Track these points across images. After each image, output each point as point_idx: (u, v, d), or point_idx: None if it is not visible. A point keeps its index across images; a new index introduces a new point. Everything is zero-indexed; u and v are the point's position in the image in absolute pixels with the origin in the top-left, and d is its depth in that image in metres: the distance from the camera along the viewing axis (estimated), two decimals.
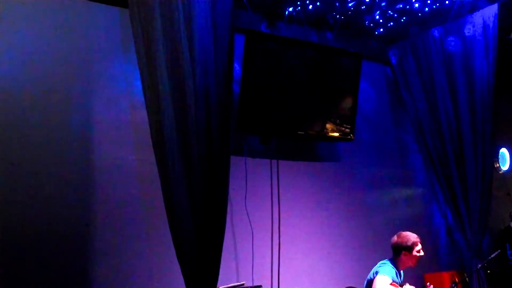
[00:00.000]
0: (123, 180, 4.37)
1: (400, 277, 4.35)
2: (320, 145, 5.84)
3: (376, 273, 4.18)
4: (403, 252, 4.30)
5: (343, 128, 5.60)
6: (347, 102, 5.64)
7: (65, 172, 4.10)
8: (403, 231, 4.43)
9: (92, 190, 4.21)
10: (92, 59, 4.41)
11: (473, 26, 5.77)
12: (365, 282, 4.36)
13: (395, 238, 4.39)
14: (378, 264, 4.31)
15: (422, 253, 4.37)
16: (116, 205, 4.29)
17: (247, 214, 4.94)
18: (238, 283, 4.38)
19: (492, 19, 5.64)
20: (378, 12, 5.80)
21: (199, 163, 3.79)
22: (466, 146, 5.89)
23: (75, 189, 4.13)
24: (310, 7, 5.48)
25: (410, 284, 4.29)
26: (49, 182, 4.02)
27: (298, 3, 5.42)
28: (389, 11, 5.80)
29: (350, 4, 5.54)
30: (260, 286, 4.58)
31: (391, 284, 4.04)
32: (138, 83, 3.95)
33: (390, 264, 4.26)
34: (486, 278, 5.71)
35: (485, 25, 5.69)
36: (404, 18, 5.94)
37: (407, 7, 5.73)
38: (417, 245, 4.33)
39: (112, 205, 4.27)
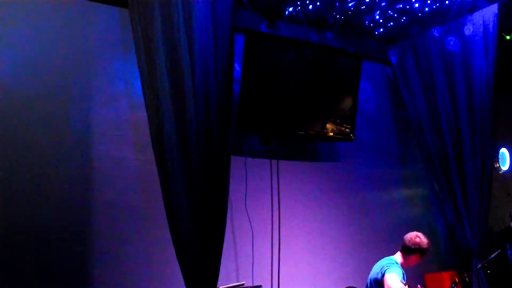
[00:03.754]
0: (123, 180, 4.37)
1: (404, 277, 4.34)
2: (320, 145, 5.84)
3: (385, 272, 4.16)
4: (418, 253, 4.32)
5: (343, 128, 5.60)
6: (347, 102, 5.64)
7: (65, 171, 4.09)
8: (418, 231, 4.44)
9: (92, 190, 4.21)
10: (92, 59, 4.41)
11: (473, 26, 5.77)
12: (369, 281, 4.34)
13: (414, 238, 4.34)
14: (385, 263, 4.27)
15: None
16: (115, 205, 4.28)
17: (247, 214, 4.93)
18: (238, 283, 4.38)
19: (492, 19, 5.64)
20: (378, 12, 5.80)
21: (199, 163, 3.79)
22: (466, 146, 5.89)
23: (75, 189, 4.13)
24: (310, 7, 5.48)
25: (411, 285, 4.28)
26: (49, 182, 4.02)
27: (298, 3, 5.42)
28: (389, 11, 5.80)
29: (350, 4, 5.54)
30: (260, 286, 4.57)
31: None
32: (138, 83, 3.94)
33: (397, 264, 4.25)
34: (486, 278, 5.71)
35: (485, 25, 5.69)
36: (404, 18, 5.95)
37: (407, 7, 5.73)
38: (428, 251, 4.38)
39: (112, 205, 4.27)
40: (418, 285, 4.31)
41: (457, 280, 5.69)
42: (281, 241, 5.10)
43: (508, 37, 6.09)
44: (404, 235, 4.40)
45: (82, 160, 4.21)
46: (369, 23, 5.99)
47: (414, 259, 4.33)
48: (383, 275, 4.16)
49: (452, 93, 5.97)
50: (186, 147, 3.78)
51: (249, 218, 4.94)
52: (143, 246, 4.34)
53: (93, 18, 4.47)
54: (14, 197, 3.86)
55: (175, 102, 3.79)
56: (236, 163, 4.72)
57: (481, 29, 5.72)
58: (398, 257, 4.35)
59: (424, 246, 4.32)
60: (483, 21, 5.70)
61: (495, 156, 7.41)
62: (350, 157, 6.01)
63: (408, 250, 4.33)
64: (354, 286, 4.98)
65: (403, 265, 4.31)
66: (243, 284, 4.40)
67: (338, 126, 5.57)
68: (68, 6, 4.35)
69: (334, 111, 5.57)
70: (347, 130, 5.61)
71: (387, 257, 4.36)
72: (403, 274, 4.21)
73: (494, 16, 5.62)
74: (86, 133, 4.28)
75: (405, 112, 6.42)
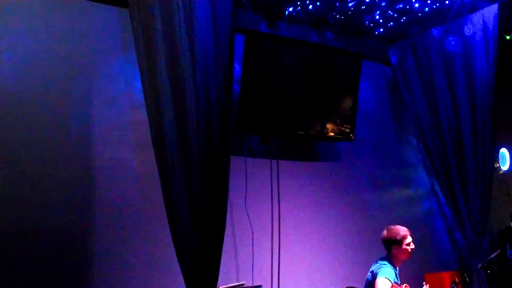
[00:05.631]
0: (123, 180, 4.37)
1: (397, 276, 4.33)
2: (320, 145, 5.84)
3: (376, 274, 4.15)
4: (393, 246, 4.26)
5: (343, 128, 5.60)
6: (347, 102, 5.64)
7: (65, 172, 4.09)
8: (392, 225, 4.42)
9: (92, 190, 4.21)
10: (92, 59, 4.41)
11: (473, 26, 5.78)
12: (365, 283, 4.34)
13: (384, 232, 4.35)
14: (378, 265, 4.28)
15: (413, 246, 4.31)
16: (116, 205, 4.29)
17: (247, 214, 4.93)
18: (238, 283, 4.38)
19: (492, 19, 5.64)
20: (378, 12, 5.80)
21: (199, 163, 3.79)
22: (466, 146, 5.89)
23: (75, 189, 4.13)
24: (310, 7, 5.48)
25: (410, 284, 4.28)
26: (49, 182, 4.02)
27: (298, 3, 5.41)
28: (389, 11, 5.80)
29: (350, 4, 5.54)
30: (260, 286, 4.57)
31: (392, 286, 4.03)
32: (138, 83, 3.95)
33: (389, 265, 4.23)
34: (486, 278, 5.71)
35: (485, 25, 5.69)
36: (404, 18, 5.94)
37: (407, 7, 5.73)
38: (406, 238, 4.28)
39: (112, 205, 4.27)
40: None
41: (457, 280, 5.70)
42: (281, 241, 5.10)
43: (508, 37, 6.09)
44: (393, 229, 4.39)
45: (82, 160, 4.21)
46: (369, 23, 5.98)
47: (396, 253, 4.27)
48: (374, 278, 4.15)
49: (452, 93, 5.97)
50: (186, 147, 3.78)
51: (249, 218, 4.94)
52: (143, 246, 4.34)
53: (93, 18, 4.46)
54: (14, 197, 3.86)
55: (175, 102, 3.79)
56: (236, 163, 4.72)
57: (481, 29, 5.72)
58: (387, 256, 4.33)
59: (395, 236, 4.25)
60: (483, 21, 5.70)
61: (495, 156, 7.41)
62: (350, 157, 6.01)
63: (386, 246, 4.32)
64: (354, 286, 4.98)
65: (395, 263, 4.28)
66: (243, 284, 4.40)
67: (338, 126, 5.57)
68: (68, 6, 4.35)
69: (334, 111, 5.57)
70: (347, 130, 5.62)
71: (380, 258, 4.35)
72: (395, 274, 4.20)
73: (494, 16, 5.62)
74: (86, 133, 4.28)
75: (405, 112, 6.42)
